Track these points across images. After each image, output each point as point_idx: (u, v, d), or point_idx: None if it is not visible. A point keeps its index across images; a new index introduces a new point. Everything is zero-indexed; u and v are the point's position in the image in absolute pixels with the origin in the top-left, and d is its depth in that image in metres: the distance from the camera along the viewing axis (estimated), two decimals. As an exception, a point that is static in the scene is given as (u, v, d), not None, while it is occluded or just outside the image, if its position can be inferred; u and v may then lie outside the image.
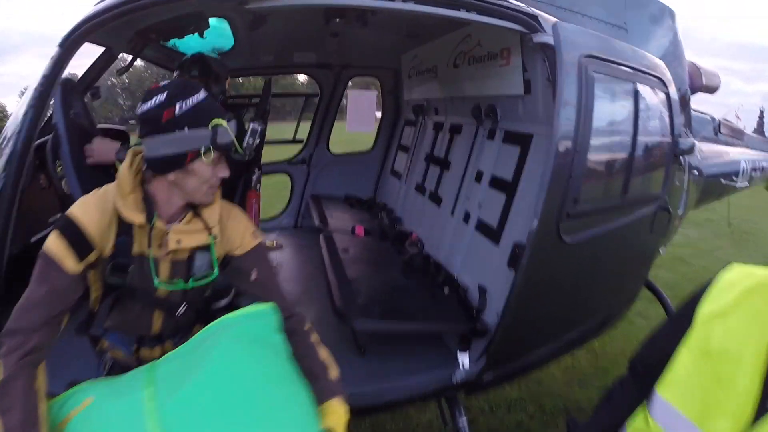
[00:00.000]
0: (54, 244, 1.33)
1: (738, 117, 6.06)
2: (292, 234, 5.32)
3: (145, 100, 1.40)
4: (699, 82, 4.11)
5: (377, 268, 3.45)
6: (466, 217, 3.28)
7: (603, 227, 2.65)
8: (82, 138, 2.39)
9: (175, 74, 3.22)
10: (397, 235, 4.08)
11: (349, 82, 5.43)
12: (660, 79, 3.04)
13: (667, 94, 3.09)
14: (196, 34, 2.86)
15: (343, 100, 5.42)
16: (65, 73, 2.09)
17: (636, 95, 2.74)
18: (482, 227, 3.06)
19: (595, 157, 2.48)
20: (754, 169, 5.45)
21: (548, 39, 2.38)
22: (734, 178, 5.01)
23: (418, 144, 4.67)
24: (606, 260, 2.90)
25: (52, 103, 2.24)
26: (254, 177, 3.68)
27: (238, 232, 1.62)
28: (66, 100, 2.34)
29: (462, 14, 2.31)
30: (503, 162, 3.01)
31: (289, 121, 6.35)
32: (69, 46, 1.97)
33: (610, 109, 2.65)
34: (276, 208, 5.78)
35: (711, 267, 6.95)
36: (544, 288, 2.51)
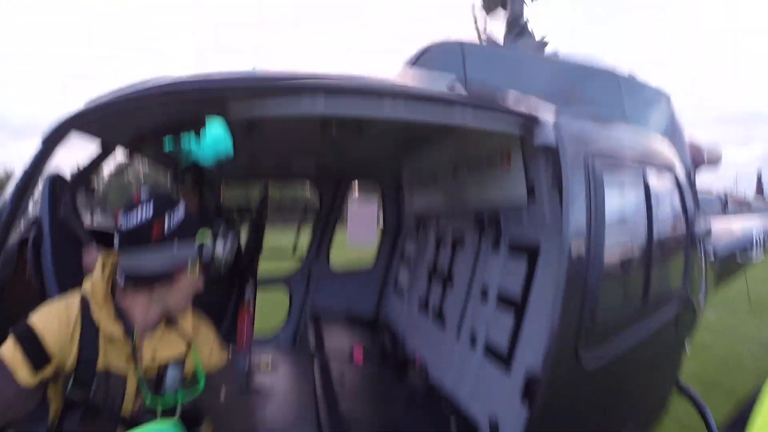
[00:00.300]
0: (9, 351, 1.26)
1: (736, 184, 6.12)
2: (289, 353, 4.95)
3: (128, 211, 1.38)
4: (701, 159, 4.09)
5: (376, 403, 3.08)
6: (473, 340, 2.95)
7: (625, 339, 2.39)
8: (69, 239, 2.26)
9: (168, 178, 3.11)
10: (399, 360, 3.71)
11: (350, 192, 5.34)
12: (667, 165, 2.93)
13: (677, 179, 2.97)
14: (195, 136, 2.81)
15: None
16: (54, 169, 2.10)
17: (646, 186, 2.62)
18: (491, 351, 2.74)
19: (611, 263, 2.28)
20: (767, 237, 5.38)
21: (550, 140, 2.21)
22: (749, 251, 4.88)
23: (420, 257, 4.41)
24: (631, 376, 2.60)
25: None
26: (248, 292, 3.41)
27: (208, 342, 1.61)
28: (53, 198, 2.24)
29: (457, 120, 2.15)
30: (510, 276, 2.74)
31: (287, 227, 6.20)
32: (51, 143, 1.91)
33: (621, 206, 2.48)
34: (274, 322, 5.44)
35: (736, 349, 6.68)
36: (563, 419, 2.17)
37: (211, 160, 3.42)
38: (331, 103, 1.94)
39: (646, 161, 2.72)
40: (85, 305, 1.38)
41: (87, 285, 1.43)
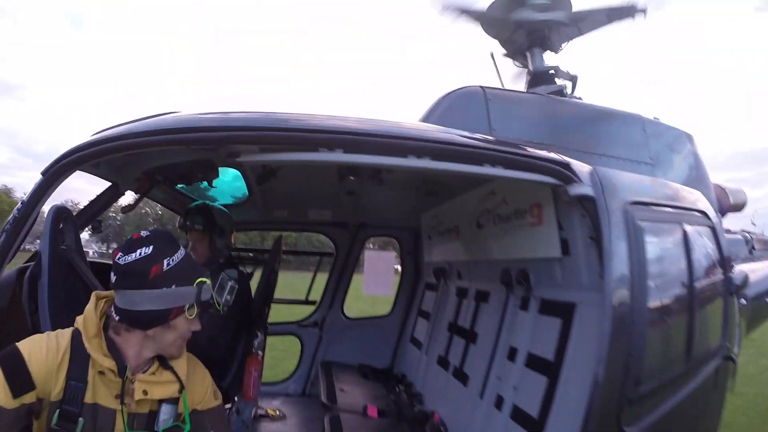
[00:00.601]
0: None
1: (754, 223, 6.39)
2: (298, 403, 4.69)
3: (127, 251, 1.38)
4: (727, 203, 3.99)
5: None
6: (499, 402, 2.71)
7: (668, 403, 2.26)
8: (69, 274, 2.17)
9: (178, 221, 3.01)
10: (416, 416, 3.46)
11: (367, 242, 5.17)
12: (703, 212, 2.81)
13: (713, 228, 2.84)
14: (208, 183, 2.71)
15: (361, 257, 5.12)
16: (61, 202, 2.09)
17: (685, 237, 2.48)
18: (519, 416, 2.50)
19: (654, 321, 2.15)
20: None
21: (587, 190, 2.07)
22: None
23: (440, 311, 4.17)
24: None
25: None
26: (256, 341, 3.23)
27: (201, 388, 1.59)
28: (56, 230, 2.14)
29: (486, 170, 1.99)
30: (542, 337, 2.51)
31: (302, 270, 6.07)
32: (51, 176, 1.84)
33: (662, 261, 2.34)
34: (284, 370, 5.22)
35: (765, 392, 6.44)
36: None
37: (223, 205, 3.35)
38: (351, 157, 1.82)
39: (681, 209, 2.61)
40: (76, 336, 1.37)
41: (79, 319, 1.42)
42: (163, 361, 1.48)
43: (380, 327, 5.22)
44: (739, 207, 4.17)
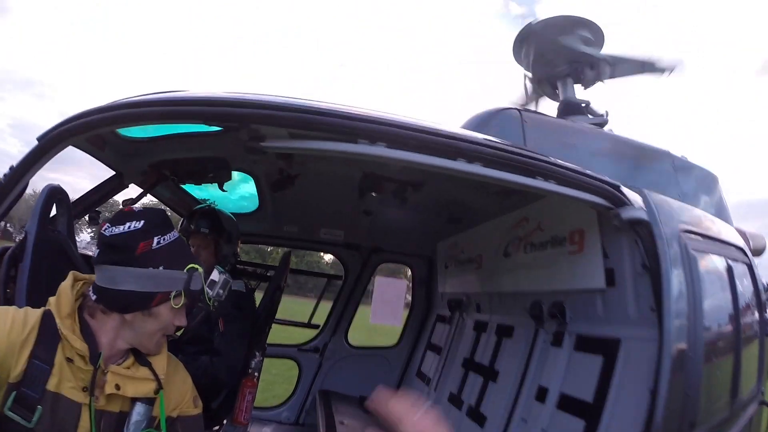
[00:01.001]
0: None
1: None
2: None
3: (114, 223, 1.25)
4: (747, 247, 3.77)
5: None
6: None
7: None
8: (55, 260, 1.94)
9: (181, 223, 2.83)
10: None
11: (378, 266, 4.96)
12: (741, 249, 2.70)
13: (750, 266, 2.73)
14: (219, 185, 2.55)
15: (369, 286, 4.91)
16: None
17: (730, 272, 2.37)
18: None
19: (708, 360, 2.01)
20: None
21: (641, 214, 1.90)
22: None
23: (454, 345, 3.91)
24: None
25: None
26: (254, 361, 3.01)
27: (180, 392, 1.42)
28: (47, 211, 1.94)
29: (538, 183, 1.82)
30: (578, 376, 2.27)
31: (300, 296, 5.84)
32: (48, 142, 1.67)
33: (713, 294, 2.22)
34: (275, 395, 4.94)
35: None
36: None
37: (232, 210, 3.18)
38: (393, 153, 1.61)
39: (725, 242, 2.50)
40: (47, 316, 1.22)
41: (52, 299, 1.26)
42: (139, 355, 1.32)
43: (385, 358, 4.93)
44: (759, 252, 4.02)
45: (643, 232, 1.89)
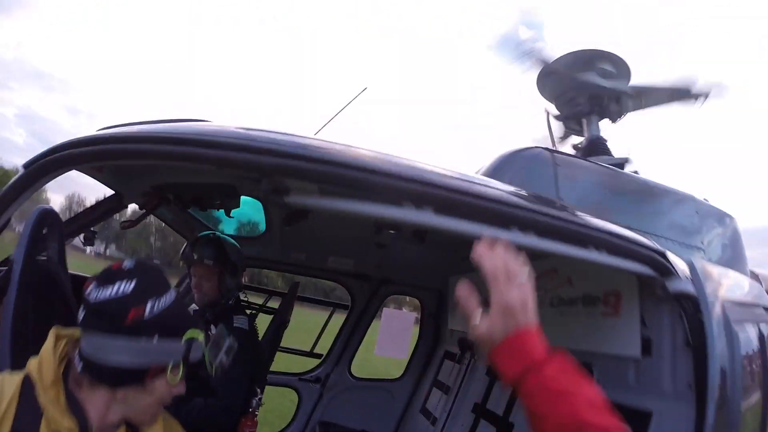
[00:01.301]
0: None
1: None
2: None
3: (101, 283, 1.09)
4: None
5: None
6: None
7: None
8: (44, 292, 1.75)
9: (183, 250, 2.69)
10: None
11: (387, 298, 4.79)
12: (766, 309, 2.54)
13: None
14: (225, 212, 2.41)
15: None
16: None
17: (761, 341, 2.24)
18: None
19: None
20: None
21: (688, 287, 1.75)
22: None
23: (464, 387, 3.73)
24: None
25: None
26: (255, 399, 2.86)
27: None
28: (37, 237, 1.72)
29: (589, 254, 1.62)
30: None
31: (319, 309, 5.64)
32: (34, 171, 1.50)
33: (750, 370, 2.13)
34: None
35: None
36: None
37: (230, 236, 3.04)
38: (440, 220, 1.39)
39: (757, 306, 2.39)
40: (27, 385, 1.07)
41: (33, 362, 1.11)
42: (132, 428, 1.20)
43: (389, 391, 4.75)
44: None
45: (689, 307, 1.75)
